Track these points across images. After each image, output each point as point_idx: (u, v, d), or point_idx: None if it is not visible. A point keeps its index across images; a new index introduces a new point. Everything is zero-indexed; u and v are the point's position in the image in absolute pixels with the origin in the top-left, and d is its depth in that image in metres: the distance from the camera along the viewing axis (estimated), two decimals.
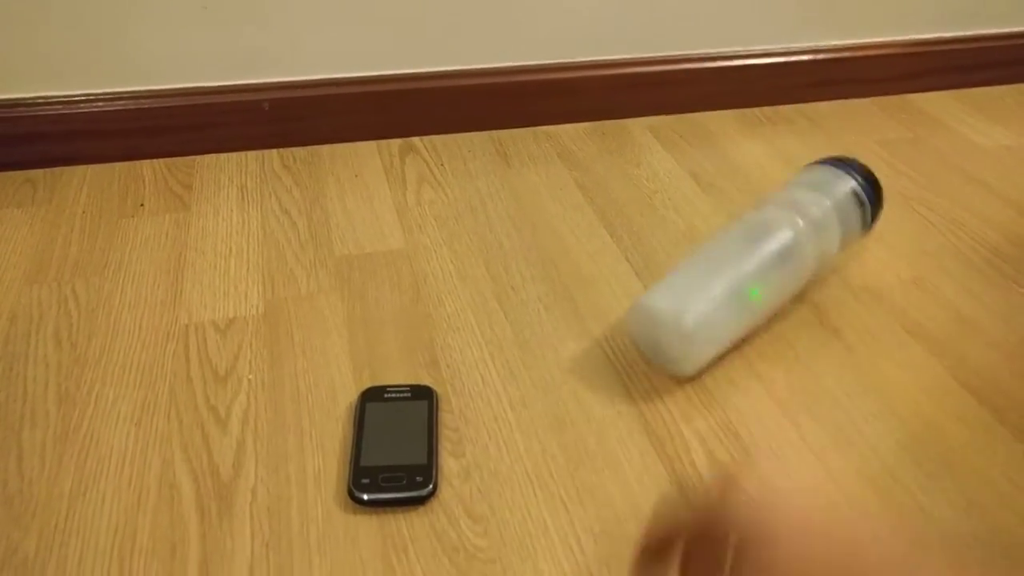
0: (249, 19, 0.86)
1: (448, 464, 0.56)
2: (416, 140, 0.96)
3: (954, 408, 0.62)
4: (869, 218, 0.72)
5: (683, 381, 0.64)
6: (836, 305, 0.72)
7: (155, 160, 0.90)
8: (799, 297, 0.72)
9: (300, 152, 0.93)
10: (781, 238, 0.66)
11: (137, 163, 0.89)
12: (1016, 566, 0.51)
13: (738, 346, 0.67)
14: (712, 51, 1.02)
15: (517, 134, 0.98)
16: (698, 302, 0.62)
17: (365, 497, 0.53)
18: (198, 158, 0.91)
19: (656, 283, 0.66)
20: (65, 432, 0.58)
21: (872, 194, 0.71)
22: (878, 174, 0.92)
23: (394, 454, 0.55)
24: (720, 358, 0.66)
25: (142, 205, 0.83)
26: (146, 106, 0.87)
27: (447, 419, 0.60)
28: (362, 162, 0.91)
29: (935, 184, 0.91)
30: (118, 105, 0.87)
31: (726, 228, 0.69)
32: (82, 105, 0.86)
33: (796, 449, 0.58)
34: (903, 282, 0.76)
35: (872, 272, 0.77)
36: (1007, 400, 0.63)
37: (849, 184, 0.70)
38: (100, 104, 0.86)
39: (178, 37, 0.86)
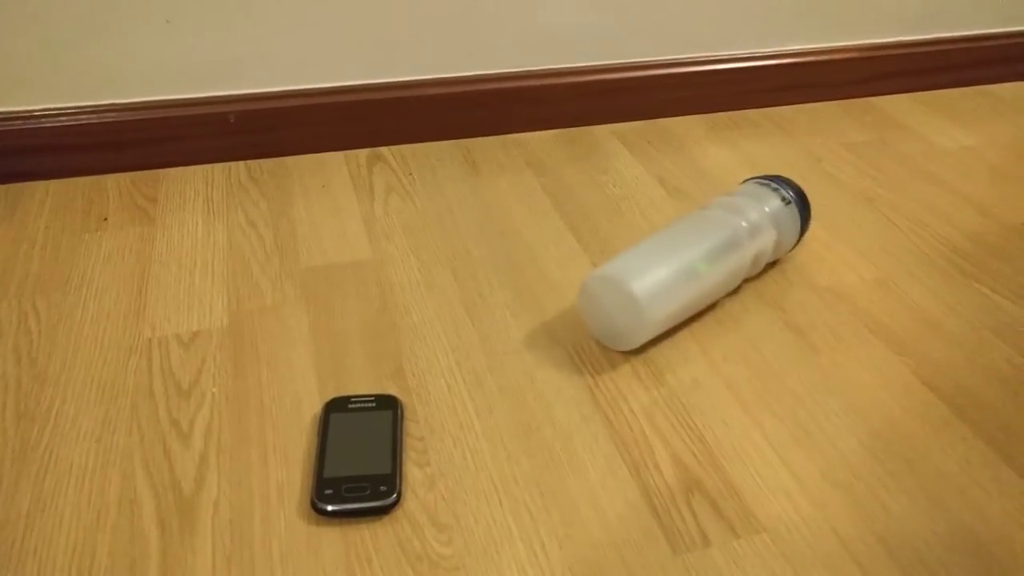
0: (213, 31, 0.86)
1: (413, 473, 0.56)
2: (384, 150, 0.96)
3: (916, 406, 0.63)
4: (801, 225, 0.75)
5: (649, 385, 0.64)
6: (801, 306, 0.73)
7: (120, 174, 0.89)
8: (764, 299, 0.73)
9: (267, 164, 0.93)
10: (724, 232, 0.69)
11: (101, 177, 0.89)
12: (978, 563, 0.52)
13: (702, 346, 0.68)
14: (678, 57, 1.03)
15: (485, 142, 0.98)
16: (644, 268, 0.65)
17: (328, 508, 0.52)
18: (163, 171, 0.90)
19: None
20: (23, 450, 0.57)
21: (802, 205, 0.75)
22: (843, 176, 0.94)
23: (358, 464, 0.55)
24: (683, 357, 0.66)
25: (106, 219, 0.82)
26: (110, 120, 0.87)
27: (412, 428, 0.60)
28: (329, 173, 0.91)
29: (898, 185, 0.93)
30: (81, 119, 0.86)
31: (671, 222, 0.73)
32: (44, 120, 0.85)
33: (759, 450, 0.59)
34: (867, 282, 0.77)
35: (836, 273, 0.78)
36: (967, 397, 0.64)
37: (782, 195, 0.74)
38: (63, 118, 0.86)
39: (142, 50, 0.85)
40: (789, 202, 0.74)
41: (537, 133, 1.01)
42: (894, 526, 0.53)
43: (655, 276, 0.64)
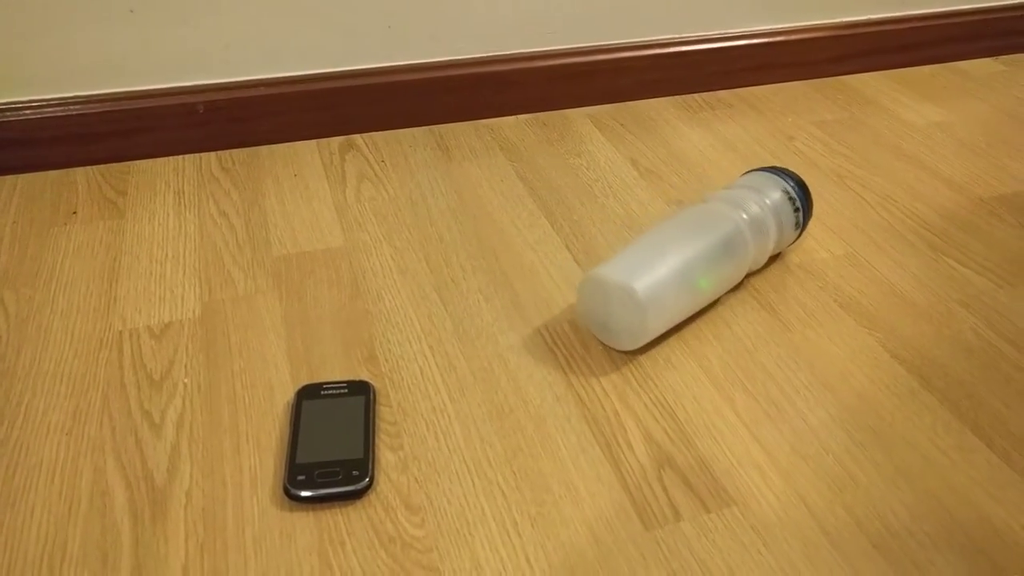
0: (178, 20, 0.85)
1: (386, 457, 0.56)
2: (356, 137, 0.96)
3: (884, 378, 0.64)
4: (802, 220, 0.74)
5: (620, 364, 0.64)
6: (772, 284, 0.74)
7: (88, 167, 0.88)
8: None
9: (239, 154, 0.92)
10: (725, 229, 0.68)
11: (70, 171, 0.88)
12: (943, 530, 0.52)
13: (676, 328, 0.68)
14: (650, 39, 1.03)
15: (458, 128, 0.98)
16: (651, 276, 0.63)
17: (301, 494, 0.52)
18: (133, 164, 0.89)
19: (608, 259, 0.65)
20: None
21: (803, 198, 0.73)
22: (815, 155, 0.95)
23: (330, 450, 0.55)
24: (657, 337, 0.66)
25: (75, 213, 0.81)
26: (76, 112, 0.86)
27: (385, 413, 0.60)
28: (302, 161, 0.91)
29: (869, 162, 0.93)
30: (47, 112, 0.85)
31: (673, 215, 0.71)
32: (9, 114, 0.84)
33: (730, 425, 0.59)
34: (837, 258, 0.77)
35: (807, 250, 0.78)
36: (933, 368, 0.65)
37: (783, 188, 0.73)
38: (28, 112, 0.85)
39: (106, 41, 0.84)
40: (798, 208, 0.72)
41: (510, 118, 1.01)
42: (862, 496, 0.54)
43: (664, 298, 0.62)
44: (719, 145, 0.96)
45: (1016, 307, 0.71)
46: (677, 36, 1.04)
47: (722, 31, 1.06)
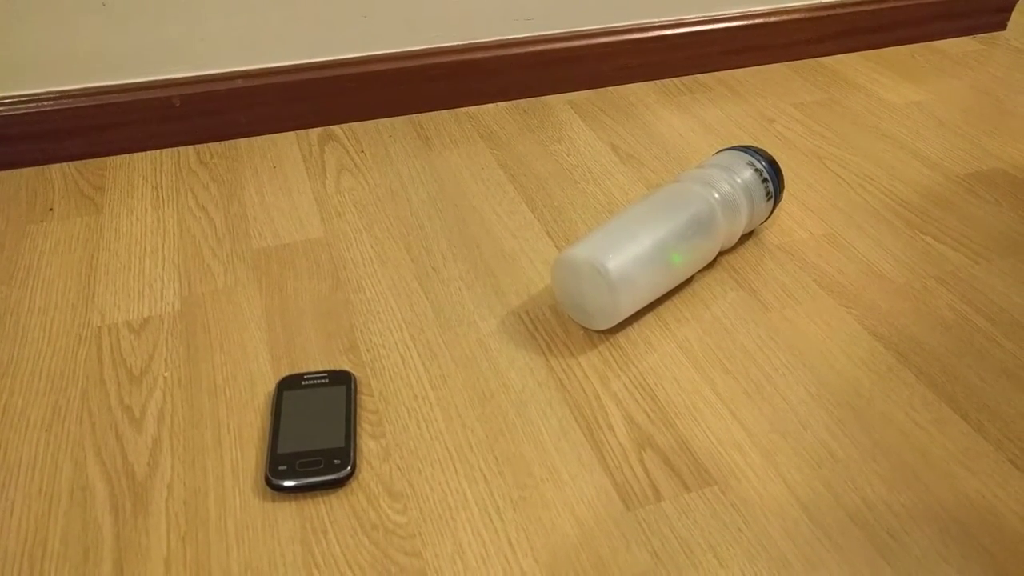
0: (152, 13, 0.84)
1: (368, 445, 0.56)
2: (336, 128, 0.95)
3: (862, 355, 0.64)
4: (773, 193, 0.74)
5: (601, 347, 0.64)
6: (752, 265, 0.74)
7: (64, 163, 0.88)
8: (715, 259, 0.74)
9: (217, 147, 0.91)
10: (695, 205, 0.68)
11: (46, 167, 0.87)
12: (919, 501, 0.53)
13: (654, 309, 0.68)
14: (628, 23, 1.03)
15: (438, 116, 0.98)
16: (621, 253, 0.63)
17: (283, 484, 0.52)
18: (110, 159, 0.89)
19: (578, 240, 0.66)
20: None
21: (773, 172, 0.74)
22: (794, 136, 0.95)
23: (312, 439, 0.55)
24: (637, 319, 0.67)
25: (51, 210, 0.80)
26: (50, 108, 0.85)
27: (367, 402, 0.60)
28: (280, 153, 0.90)
29: (848, 142, 0.94)
30: (20, 109, 0.84)
31: (645, 196, 0.71)
32: None
33: (710, 405, 0.60)
34: (816, 238, 0.78)
35: (787, 231, 0.79)
36: (911, 344, 0.65)
37: (751, 162, 0.73)
38: (1, 109, 0.84)
39: (79, 35, 0.83)
40: (766, 179, 0.73)
41: (490, 105, 1.00)
42: (840, 471, 0.55)
43: (635, 275, 0.63)
44: (699, 129, 0.96)
45: (991, 282, 0.72)
46: (655, 20, 1.04)
47: (700, 14, 1.06)
